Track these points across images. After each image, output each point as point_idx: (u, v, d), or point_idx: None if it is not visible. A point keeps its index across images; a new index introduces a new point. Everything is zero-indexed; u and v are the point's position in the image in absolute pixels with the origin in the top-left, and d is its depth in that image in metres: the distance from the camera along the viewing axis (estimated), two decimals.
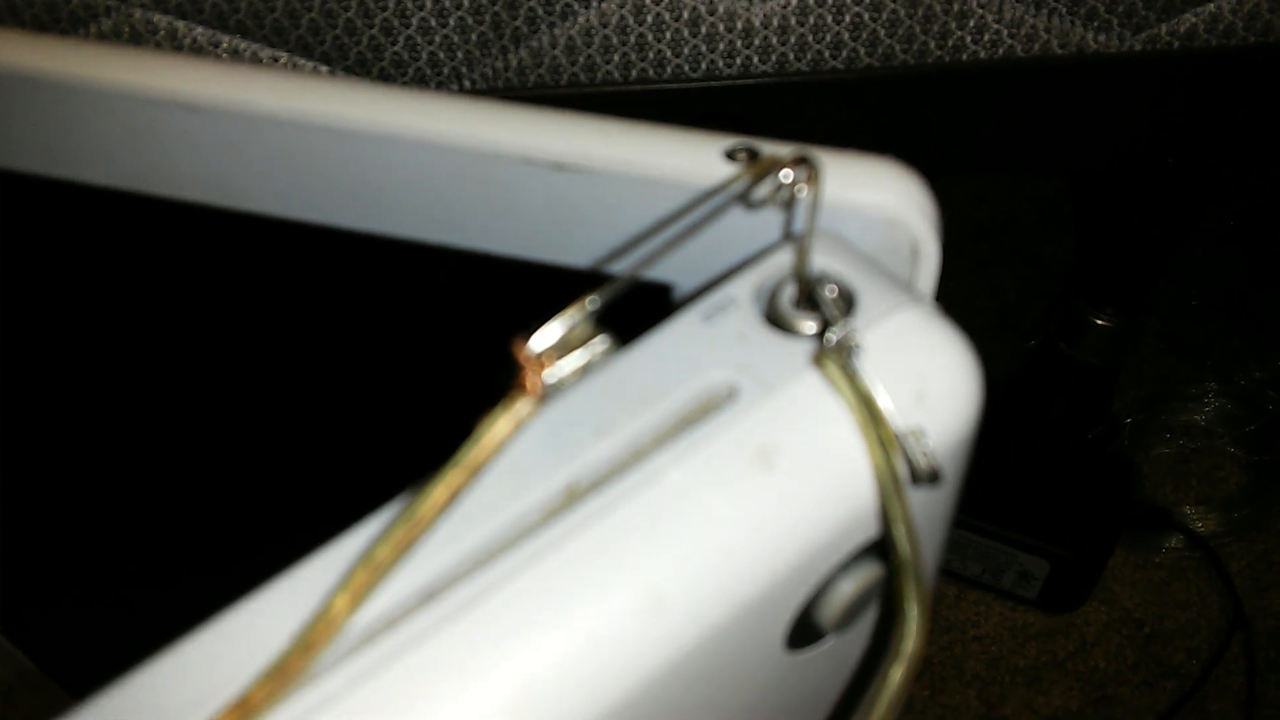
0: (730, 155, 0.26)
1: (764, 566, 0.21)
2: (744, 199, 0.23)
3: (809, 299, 0.23)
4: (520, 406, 0.19)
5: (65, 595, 0.54)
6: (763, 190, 0.21)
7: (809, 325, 0.23)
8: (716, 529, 0.21)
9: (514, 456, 0.22)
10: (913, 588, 0.22)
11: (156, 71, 0.29)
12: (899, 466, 0.21)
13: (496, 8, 0.53)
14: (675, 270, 0.29)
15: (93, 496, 0.46)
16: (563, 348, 0.20)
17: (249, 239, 0.31)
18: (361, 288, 0.33)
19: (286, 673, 0.19)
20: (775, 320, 0.24)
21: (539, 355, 0.20)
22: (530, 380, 0.20)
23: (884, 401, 0.21)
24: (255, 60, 0.55)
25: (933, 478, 0.21)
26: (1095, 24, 0.53)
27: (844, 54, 0.54)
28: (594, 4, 0.52)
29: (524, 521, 0.21)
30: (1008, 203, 0.84)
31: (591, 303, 0.20)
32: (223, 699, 0.19)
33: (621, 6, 0.53)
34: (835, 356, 0.21)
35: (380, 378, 0.36)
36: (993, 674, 0.80)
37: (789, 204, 0.22)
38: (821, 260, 0.24)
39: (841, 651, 0.26)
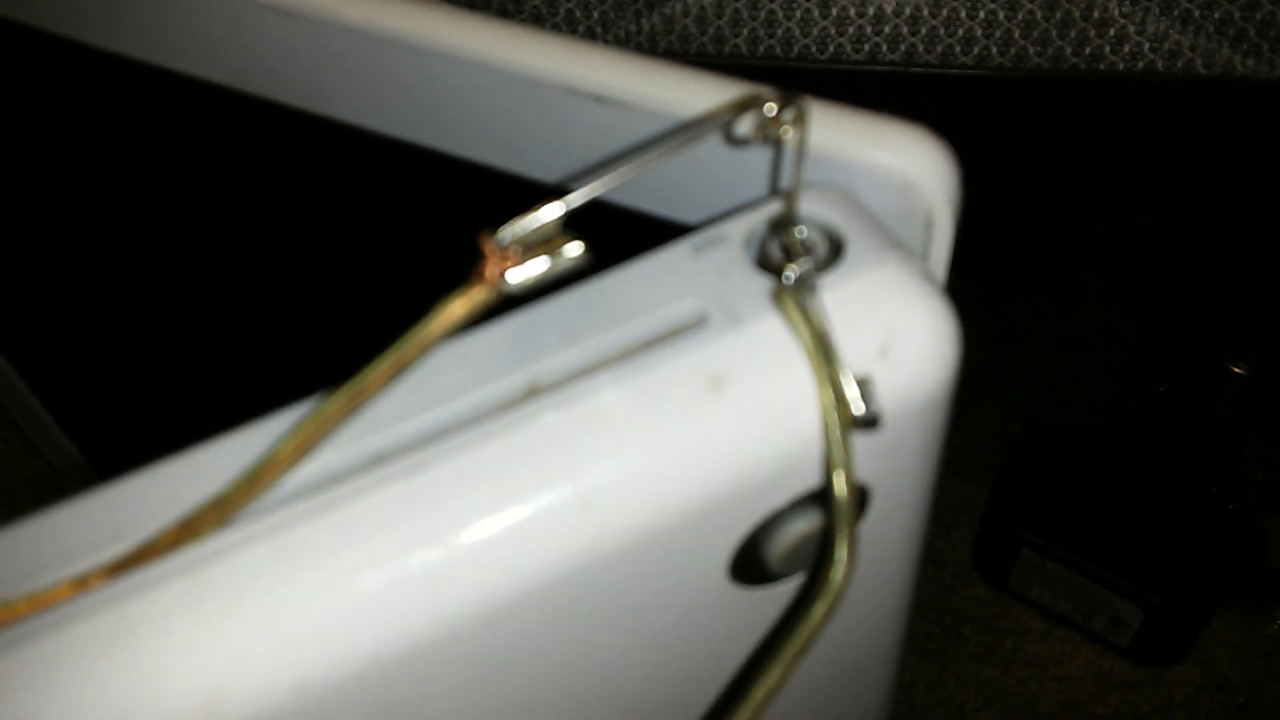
0: (761, 95, 0.27)
1: (699, 486, 0.22)
2: (727, 133, 0.24)
3: (799, 246, 0.24)
4: (475, 293, 0.21)
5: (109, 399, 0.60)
6: (745, 127, 0.22)
7: (793, 270, 0.24)
8: (654, 442, 0.22)
9: (486, 351, 0.23)
10: (845, 527, 0.22)
11: None
12: (842, 407, 0.22)
13: None
14: (699, 211, 0.30)
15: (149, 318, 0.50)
16: (531, 249, 0.22)
17: (312, 137, 0.34)
18: (399, 193, 0.35)
19: (230, 503, 0.21)
20: (764, 262, 0.24)
21: (504, 249, 0.21)
22: (490, 270, 0.21)
23: (838, 344, 0.22)
24: None
25: (869, 424, 0.21)
26: (1245, 46, 0.50)
27: (975, 50, 0.54)
28: None
29: (481, 409, 0.23)
30: (1169, 232, 0.81)
31: (557, 207, 0.21)
32: (169, 521, 0.21)
33: None
34: (792, 295, 0.22)
35: (389, 274, 0.39)
36: (1067, 716, 0.77)
37: (777, 143, 0.23)
38: (820, 210, 0.25)
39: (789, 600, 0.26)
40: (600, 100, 0.28)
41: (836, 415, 0.22)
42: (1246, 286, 0.73)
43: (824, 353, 0.22)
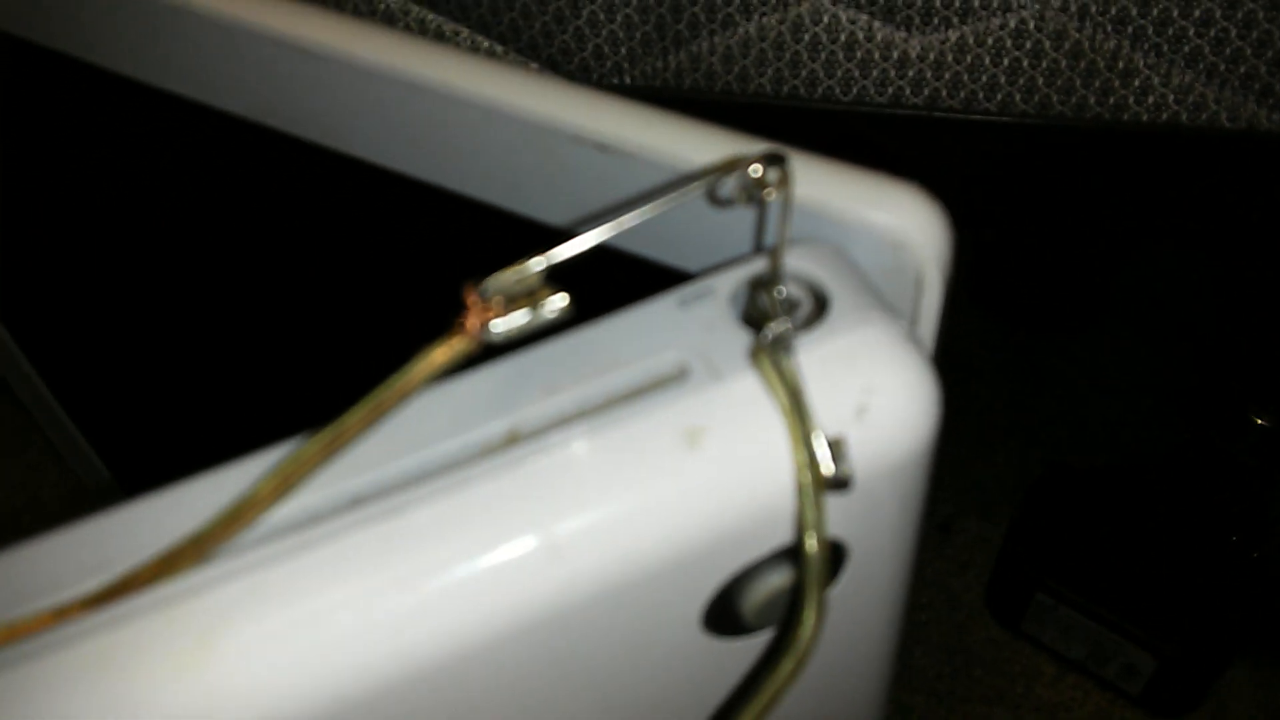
0: (744, 157, 0.27)
1: (672, 538, 0.22)
2: (711, 193, 0.24)
3: (784, 302, 0.24)
4: (455, 342, 0.21)
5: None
6: (729, 187, 0.22)
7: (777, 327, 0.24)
8: (628, 493, 0.22)
9: (465, 399, 0.24)
10: (813, 587, 0.22)
11: (281, 16, 0.33)
12: (814, 467, 0.22)
13: (662, 10, 0.55)
14: (692, 256, 0.30)
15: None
16: (514, 301, 0.22)
17: (327, 171, 0.34)
18: (407, 227, 0.36)
19: (206, 541, 0.21)
20: (750, 317, 0.24)
21: (486, 300, 0.22)
22: (470, 321, 0.21)
23: (814, 403, 0.22)
24: (439, 33, 0.59)
25: (840, 485, 0.22)
26: (1270, 101, 0.50)
27: (999, 97, 0.54)
28: (755, 17, 0.54)
29: (460, 455, 0.23)
30: (1199, 279, 0.80)
31: (539, 262, 0.21)
32: (149, 555, 0.21)
33: (781, 23, 0.54)
34: (769, 352, 0.22)
35: (392, 302, 0.39)
36: None
37: (760, 203, 0.23)
38: (808, 266, 0.25)
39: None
40: (603, 148, 0.29)
41: (809, 474, 0.22)
42: (1272, 337, 0.72)
43: (798, 412, 0.22)
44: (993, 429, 0.90)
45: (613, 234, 0.22)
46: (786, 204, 0.22)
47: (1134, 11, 0.49)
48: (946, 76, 0.53)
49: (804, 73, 0.55)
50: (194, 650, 0.20)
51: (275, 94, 0.34)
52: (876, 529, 0.25)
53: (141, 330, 0.53)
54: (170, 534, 0.22)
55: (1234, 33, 0.48)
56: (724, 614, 0.25)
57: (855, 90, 0.55)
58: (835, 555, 0.25)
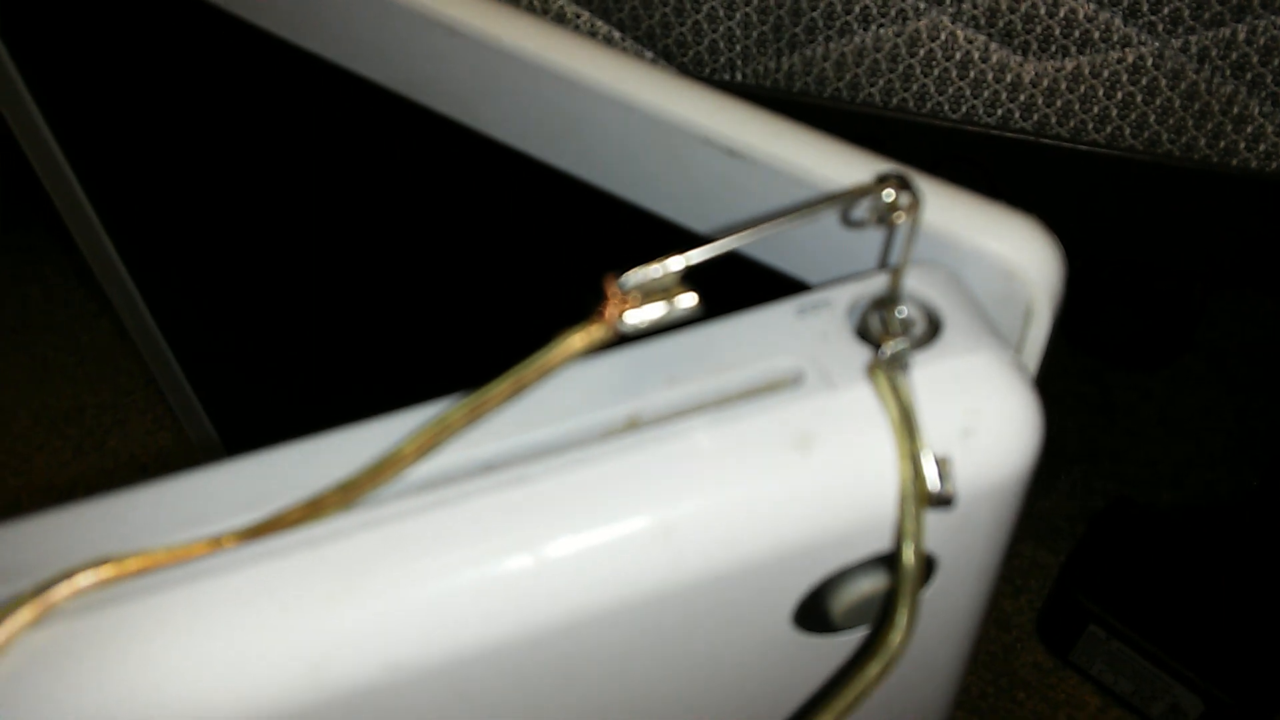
0: (881, 180, 0.28)
1: (775, 534, 0.24)
2: (844, 215, 0.26)
3: (898, 320, 0.25)
4: (593, 330, 0.23)
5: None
6: (863, 209, 0.23)
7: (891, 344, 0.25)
8: (739, 487, 0.24)
9: (595, 382, 0.25)
10: (907, 596, 0.23)
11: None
12: (918, 482, 0.23)
13: (781, 12, 0.56)
14: (818, 272, 0.31)
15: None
16: (650, 295, 0.23)
17: (468, 151, 0.36)
18: (535, 212, 0.38)
19: (352, 490, 0.23)
20: (864, 331, 0.26)
21: (625, 293, 0.23)
22: (609, 311, 0.23)
23: (922, 421, 0.23)
24: (560, 15, 0.61)
25: (943, 502, 0.23)
26: None
27: (1108, 129, 0.54)
28: (872, 27, 0.55)
29: (584, 434, 0.25)
30: (1262, 327, 0.79)
31: (678, 262, 0.23)
32: (298, 497, 0.23)
33: (898, 35, 0.54)
34: (885, 368, 0.23)
35: (512, 288, 0.41)
36: None
37: (889, 226, 0.24)
38: (924, 287, 0.26)
39: (849, 652, 0.28)
40: (732, 154, 0.30)
41: (913, 489, 0.23)
42: None
43: (908, 428, 0.23)
44: (1060, 456, 0.90)
45: (750, 241, 0.23)
46: (914, 229, 0.24)
47: (1255, 59, 0.49)
48: (1058, 104, 0.54)
49: (915, 86, 0.56)
50: (335, 589, 0.22)
51: (417, 67, 0.36)
52: (968, 546, 0.26)
53: (260, 296, 0.56)
54: (318, 480, 0.24)
55: None
56: (814, 612, 0.26)
57: (964, 108, 0.56)
58: (926, 566, 0.26)
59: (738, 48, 0.58)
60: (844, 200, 0.23)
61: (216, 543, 0.23)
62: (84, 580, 0.22)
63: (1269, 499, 0.78)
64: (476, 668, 0.23)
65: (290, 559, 0.22)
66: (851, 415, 0.24)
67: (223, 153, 0.49)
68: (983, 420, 0.24)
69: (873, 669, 0.24)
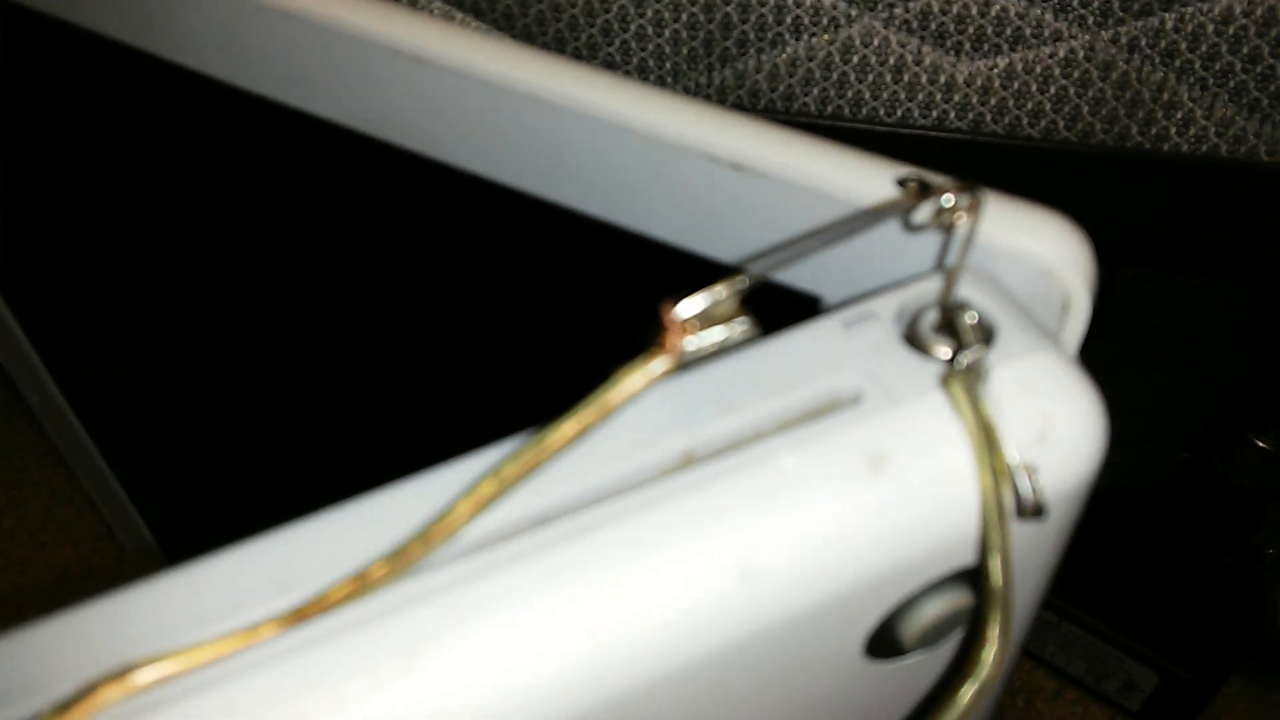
0: (901, 183, 0.27)
1: (855, 566, 0.22)
2: (905, 220, 0.25)
3: (948, 326, 0.24)
4: (656, 363, 0.21)
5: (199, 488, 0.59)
6: (923, 214, 0.22)
7: (944, 350, 0.24)
8: (816, 519, 0.22)
9: (641, 417, 0.24)
10: (998, 616, 0.22)
11: (391, 23, 0.32)
12: (1006, 496, 0.22)
13: (711, 26, 0.55)
14: (827, 285, 0.30)
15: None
16: (706, 321, 0.22)
17: (448, 190, 0.34)
18: (534, 247, 0.35)
19: (404, 559, 0.21)
20: (913, 341, 0.25)
21: (683, 321, 0.21)
22: (670, 341, 0.21)
23: (1003, 431, 0.22)
24: None
25: (1037, 512, 0.22)
26: None
27: (1042, 124, 0.54)
28: (804, 37, 0.54)
29: (639, 475, 0.23)
30: (1191, 307, 0.82)
31: (740, 282, 0.21)
32: (345, 571, 0.21)
33: (831, 44, 0.54)
34: (963, 379, 0.22)
35: (528, 328, 0.39)
36: None
37: (948, 229, 0.23)
38: (969, 293, 0.25)
39: (916, 674, 0.27)
40: (738, 168, 0.29)
41: (998, 501, 0.22)
42: (1273, 360, 0.74)
43: (990, 439, 0.22)
44: None
45: (808, 255, 0.22)
46: (974, 230, 0.23)
47: (1183, 46, 0.50)
48: (992, 102, 0.54)
49: (850, 93, 0.56)
50: (398, 670, 0.20)
51: (379, 103, 0.33)
52: (1037, 555, 0.25)
53: (192, 381, 0.52)
54: (358, 550, 0.21)
55: None
56: (884, 638, 0.25)
57: (900, 112, 0.56)
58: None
59: (668, 65, 0.57)
60: (904, 205, 0.22)
61: (253, 633, 0.20)
62: (109, 694, 0.19)
63: (1197, 471, 0.81)
64: None
65: (341, 642, 0.20)
66: (923, 429, 0.23)
67: (154, 219, 0.45)
68: (1055, 423, 0.23)
69: (967, 692, 0.22)
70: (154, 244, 0.47)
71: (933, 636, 0.25)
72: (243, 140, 0.38)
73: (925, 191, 0.22)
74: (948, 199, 0.22)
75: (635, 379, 0.21)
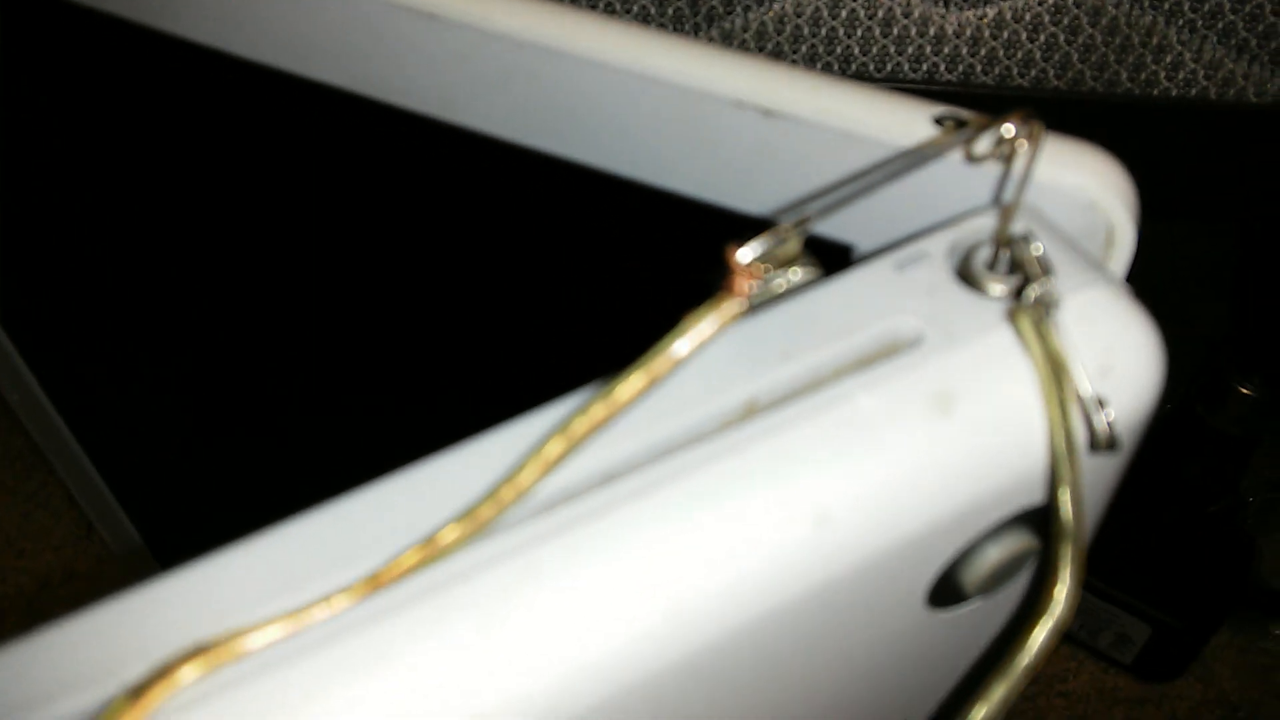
0: (939, 121, 0.27)
1: (927, 509, 0.22)
2: (967, 152, 0.24)
3: (1003, 262, 0.24)
4: (727, 306, 0.20)
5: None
6: (982, 146, 0.22)
7: (1000, 288, 0.24)
8: (887, 462, 0.22)
9: (699, 369, 0.23)
10: (1069, 554, 0.22)
11: None
12: (1077, 430, 0.22)
13: None
14: (858, 233, 0.29)
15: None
16: (771, 263, 0.21)
17: (466, 154, 0.33)
18: (555, 209, 0.35)
19: (474, 522, 0.20)
20: (967, 279, 0.24)
21: (748, 264, 0.21)
22: (738, 284, 0.21)
23: (1073, 364, 0.22)
24: None
25: (1111, 445, 0.21)
26: None
27: (1033, 73, 0.54)
28: None
29: (703, 427, 0.22)
30: (1170, 255, 0.82)
31: (803, 223, 0.21)
32: (415, 537, 0.20)
33: None
34: (1031, 313, 0.22)
35: (551, 294, 0.38)
36: None
37: (1008, 160, 0.23)
38: (1021, 229, 0.25)
39: (977, 622, 0.26)
40: (769, 114, 0.28)
41: (1069, 436, 0.22)
42: (1257, 307, 0.74)
43: (1060, 374, 0.22)
44: None
45: (867, 194, 0.21)
46: (1033, 160, 0.22)
47: None
48: (982, 53, 0.54)
49: (839, 49, 0.55)
50: (476, 636, 0.19)
51: (389, 65, 0.32)
52: (1098, 488, 0.25)
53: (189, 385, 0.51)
54: (423, 516, 0.20)
55: (1268, 8, 0.50)
56: (946, 584, 0.24)
57: (889, 66, 0.55)
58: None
59: (653, 25, 0.56)
60: (967, 139, 0.22)
61: (326, 604, 0.19)
62: (186, 674, 0.18)
63: (1183, 419, 0.81)
64: (635, 699, 0.21)
65: (417, 609, 0.19)
66: (988, 367, 0.22)
67: (140, 203, 0.44)
68: (1117, 356, 0.23)
69: (1041, 631, 0.22)
70: (141, 232, 0.46)
71: (993, 582, 0.25)
72: (247, 115, 0.37)
73: (984, 120, 0.21)
74: (1008, 129, 0.22)
75: (706, 324, 0.20)
